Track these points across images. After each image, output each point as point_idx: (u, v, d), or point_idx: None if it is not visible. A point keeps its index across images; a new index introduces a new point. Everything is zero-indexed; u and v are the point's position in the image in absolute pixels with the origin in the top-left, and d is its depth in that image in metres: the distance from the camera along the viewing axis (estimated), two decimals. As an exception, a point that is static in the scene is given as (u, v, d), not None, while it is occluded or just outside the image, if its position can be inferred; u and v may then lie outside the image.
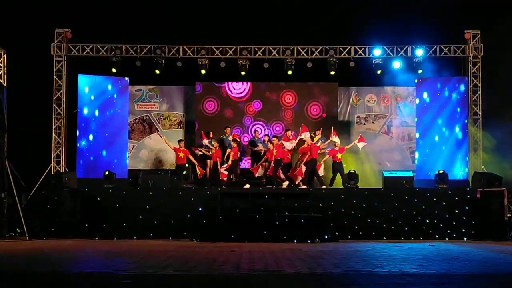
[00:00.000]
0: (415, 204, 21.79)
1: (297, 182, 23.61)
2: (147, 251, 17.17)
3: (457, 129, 25.39)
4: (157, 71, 26.09)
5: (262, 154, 24.76)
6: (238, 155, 24.36)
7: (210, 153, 24.37)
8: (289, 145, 24.00)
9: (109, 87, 25.81)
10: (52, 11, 25.57)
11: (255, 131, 26.55)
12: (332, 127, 24.59)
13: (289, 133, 24.87)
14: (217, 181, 23.61)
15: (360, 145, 24.43)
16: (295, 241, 20.05)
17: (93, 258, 15.27)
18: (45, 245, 18.93)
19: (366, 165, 26.83)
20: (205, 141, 24.87)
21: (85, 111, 25.24)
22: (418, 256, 15.73)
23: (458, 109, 25.42)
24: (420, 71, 25.85)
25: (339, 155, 23.76)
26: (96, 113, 25.46)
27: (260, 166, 24.23)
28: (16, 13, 25.50)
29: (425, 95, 25.79)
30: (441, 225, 21.66)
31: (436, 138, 25.57)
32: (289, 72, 26.16)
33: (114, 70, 25.80)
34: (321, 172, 23.73)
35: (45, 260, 14.67)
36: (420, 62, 25.77)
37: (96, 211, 21.74)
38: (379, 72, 26.02)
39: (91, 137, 25.34)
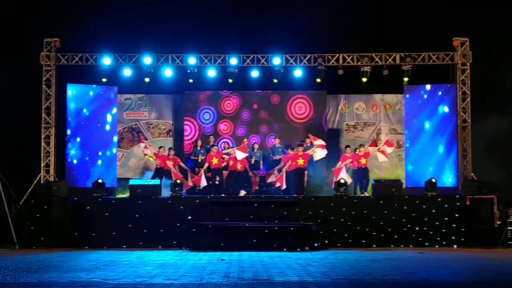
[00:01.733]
0: (404, 211, 21.79)
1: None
2: (136, 260, 17.15)
3: (446, 136, 25.48)
4: (147, 80, 26.09)
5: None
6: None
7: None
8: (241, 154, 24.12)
9: (98, 96, 25.81)
10: (42, 20, 25.53)
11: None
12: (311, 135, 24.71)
13: (245, 140, 25.31)
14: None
15: (389, 149, 24.40)
16: (285, 249, 20.02)
17: (82, 267, 15.23)
18: (34, 254, 18.87)
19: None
20: (141, 145, 25.12)
21: (74, 120, 25.24)
22: (408, 264, 15.77)
23: (447, 116, 25.51)
24: (406, 79, 25.85)
25: (363, 160, 23.78)
26: (85, 121, 25.46)
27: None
28: (5, 23, 25.45)
29: (413, 102, 25.86)
30: (431, 232, 21.66)
31: (425, 145, 25.64)
32: (275, 80, 26.21)
33: (104, 80, 25.78)
34: (342, 174, 23.54)
35: (34, 269, 14.62)
36: (409, 69, 25.77)
37: (86, 220, 21.65)
38: (364, 80, 26.03)
39: (80, 146, 25.33)
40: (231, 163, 23.78)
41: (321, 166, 25.03)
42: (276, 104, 27.39)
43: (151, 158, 25.11)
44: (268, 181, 24.56)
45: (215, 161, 23.64)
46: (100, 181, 22.97)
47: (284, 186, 23.44)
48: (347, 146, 24.68)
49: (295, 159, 23.43)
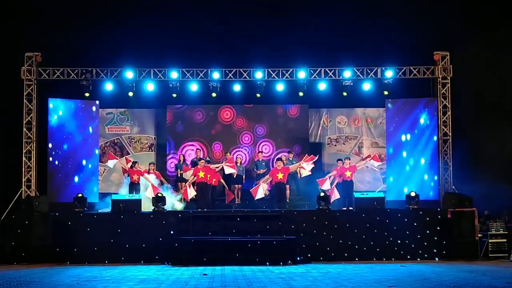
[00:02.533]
0: (386, 225, 21.79)
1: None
2: (118, 275, 17.08)
3: (427, 149, 25.58)
4: (131, 94, 26.01)
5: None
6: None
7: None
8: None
9: (80, 110, 25.76)
10: (22, 35, 25.48)
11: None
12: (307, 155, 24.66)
13: (228, 154, 25.40)
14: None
15: (376, 164, 24.49)
16: (267, 263, 19.97)
17: (64, 283, 15.15)
18: (15, 270, 18.75)
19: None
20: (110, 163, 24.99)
21: (56, 134, 25.16)
22: (390, 277, 15.77)
23: (428, 130, 25.63)
24: (386, 93, 25.96)
25: (348, 173, 23.75)
26: (67, 136, 25.38)
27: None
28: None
29: (395, 116, 25.96)
30: (413, 245, 21.67)
31: (407, 158, 25.73)
32: (258, 95, 26.26)
33: (87, 94, 25.68)
34: (326, 185, 23.60)
35: (15, 285, 14.53)
36: (390, 83, 25.90)
37: (67, 236, 21.52)
38: (345, 94, 26.16)
39: (62, 160, 25.23)
40: (208, 176, 23.64)
41: (306, 179, 25.03)
42: (250, 107, 27.65)
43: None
44: (257, 198, 24.19)
45: (201, 174, 23.51)
46: (81, 196, 22.84)
47: (256, 197, 23.41)
48: (339, 160, 24.67)
49: (274, 174, 23.42)
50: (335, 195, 23.47)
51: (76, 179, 25.46)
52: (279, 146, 27.18)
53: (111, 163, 24.84)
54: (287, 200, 24.20)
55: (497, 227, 22.04)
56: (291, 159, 25.35)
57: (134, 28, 26.02)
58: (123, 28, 25.82)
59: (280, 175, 23.33)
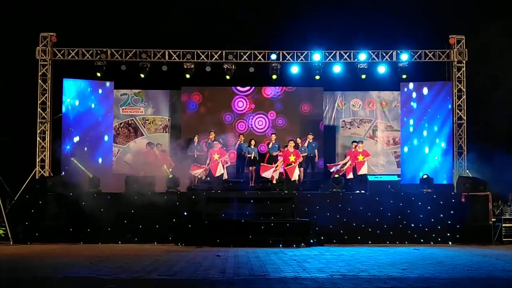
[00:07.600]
0: (400, 208, 21.79)
1: None
2: (132, 255, 17.12)
3: (441, 133, 25.47)
4: (143, 75, 25.94)
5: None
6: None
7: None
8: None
9: (94, 91, 25.72)
10: (37, 15, 25.47)
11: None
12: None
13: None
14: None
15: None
16: (281, 245, 20.00)
17: (77, 263, 15.20)
18: (29, 250, 18.83)
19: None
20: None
21: (70, 115, 25.15)
22: (403, 260, 15.76)
23: (443, 114, 25.49)
24: (404, 76, 25.83)
25: (360, 157, 23.64)
26: (81, 117, 25.35)
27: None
28: (0, 17, 25.38)
29: (410, 99, 25.84)
30: (426, 229, 21.67)
31: (421, 142, 25.64)
32: (274, 77, 26.15)
33: (98, 74, 25.61)
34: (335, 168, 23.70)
35: (28, 265, 14.59)
36: (405, 67, 25.76)
37: (81, 216, 21.58)
38: (363, 76, 26.01)
39: (76, 140, 25.23)
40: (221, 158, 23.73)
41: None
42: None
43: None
44: (262, 175, 24.20)
45: (216, 156, 23.51)
46: (94, 177, 22.88)
47: (293, 177, 23.36)
48: (354, 142, 24.56)
49: (286, 156, 23.35)
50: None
51: (90, 159, 25.42)
52: (295, 130, 27.06)
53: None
54: (300, 182, 24.10)
55: (511, 212, 21.97)
56: (310, 141, 25.27)
57: (149, 7, 26.01)
58: (137, 9, 25.81)
59: (292, 158, 23.26)
